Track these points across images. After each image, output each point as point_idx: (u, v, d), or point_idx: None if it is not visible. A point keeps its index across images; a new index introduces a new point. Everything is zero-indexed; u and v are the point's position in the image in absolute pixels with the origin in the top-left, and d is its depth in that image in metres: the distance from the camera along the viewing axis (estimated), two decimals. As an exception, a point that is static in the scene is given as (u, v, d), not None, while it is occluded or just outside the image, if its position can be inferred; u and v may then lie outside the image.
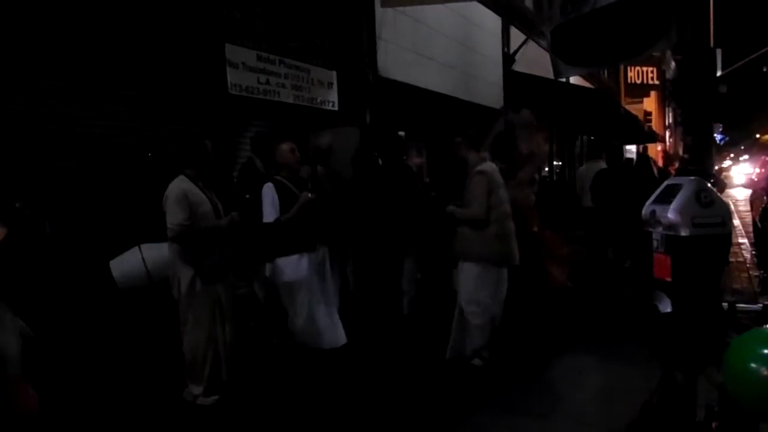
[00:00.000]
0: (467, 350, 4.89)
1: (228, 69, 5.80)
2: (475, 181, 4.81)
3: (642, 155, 13.15)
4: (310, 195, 4.78)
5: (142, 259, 4.36)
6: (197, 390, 4.21)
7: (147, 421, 4.01)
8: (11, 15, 4.21)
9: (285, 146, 4.88)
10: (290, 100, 6.60)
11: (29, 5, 4.32)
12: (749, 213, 14.01)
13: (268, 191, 4.72)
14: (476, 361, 4.90)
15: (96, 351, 4.39)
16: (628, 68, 24.01)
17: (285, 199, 4.72)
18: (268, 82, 6.28)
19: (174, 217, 4.04)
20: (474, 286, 4.81)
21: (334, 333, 4.87)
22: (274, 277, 4.83)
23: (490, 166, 4.89)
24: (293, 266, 4.74)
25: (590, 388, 4.50)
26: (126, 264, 4.39)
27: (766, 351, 2.53)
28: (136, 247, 4.45)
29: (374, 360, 5.09)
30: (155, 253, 4.41)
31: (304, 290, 4.76)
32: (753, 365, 2.50)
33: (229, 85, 5.80)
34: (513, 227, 4.90)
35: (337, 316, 4.95)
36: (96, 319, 4.46)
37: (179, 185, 4.14)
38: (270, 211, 4.69)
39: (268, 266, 4.92)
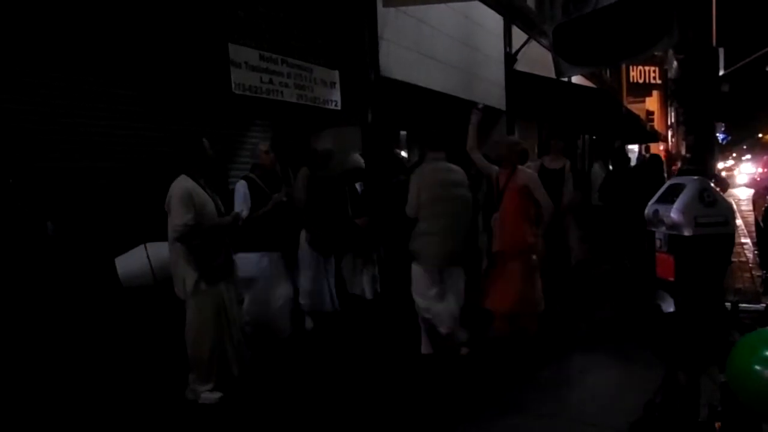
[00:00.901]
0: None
1: (231, 68, 5.80)
2: (410, 181, 5.08)
3: (654, 156, 13.16)
4: (283, 198, 5.10)
5: (148, 257, 4.36)
6: (203, 388, 4.22)
7: (148, 420, 4.02)
8: (14, 14, 4.22)
9: (261, 147, 5.27)
10: (293, 100, 6.60)
11: (32, 5, 4.32)
12: (752, 213, 14.00)
13: (241, 188, 5.03)
14: (463, 350, 4.97)
15: (98, 349, 4.40)
16: (630, 68, 24.01)
17: (256, 196, 5.02)
18: (271, 82, 6.29)
19: (179, 217, 4.03)
20: (417, 283, 4.99)
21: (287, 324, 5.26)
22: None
23: (425, 167, 5.07)
24: (254, 263, 5.01)
25: (592, 387, 4.50)
26: (131, 262, 4.41)
27: None
28: (142, 246, 4.46)
29: (377, 358, 5.09)
30: (160, 252, 4.43)
31: (261, 286, 5.08)
32: (758, 366, 2.50)
33: (232, 84, 5.80)
34: (450, 226, 4.91)
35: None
36: (98, 318, 4.47)
37: (183, 185, 4.14)
38: (240, 207, 4.91)
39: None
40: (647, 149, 23.07)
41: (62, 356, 4.17)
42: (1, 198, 4.04)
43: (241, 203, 4.93)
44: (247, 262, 4.94)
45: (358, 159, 6.44)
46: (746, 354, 2.59)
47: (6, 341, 3.87)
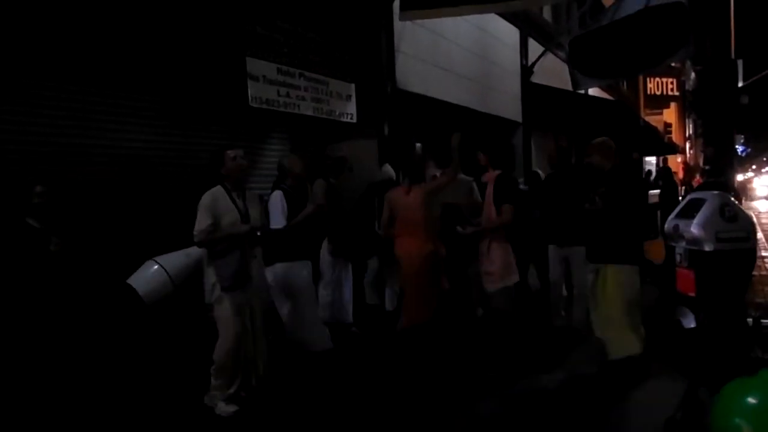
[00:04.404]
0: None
1: (249, 82, 5.86)
2: None
3: (664, 167, 13.20)
4: (315, 207, 5.03)
5: (165, 270, 4.43)
6: (220, 398, 4.25)
7: (160, 427, 4.04)
8: (35, 26, 4.32)
9: (293, 158, 5.21)
10: (310, 113, 6.65)
11: (56, 19, 4.41)
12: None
13: (278, 199, 4.94)
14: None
15: (110, 356, 4.43)
16: (648, 79, 23.91)
17: (292, 207, 4.95)
18: (288, 95, 6.34)
19: (198, 224, 4.18)
20: None
21: (323, 337, 5.15)
22: (275, 281, 5.00)
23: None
24: (295, 272, 4.94)
25: (613, 402, 4.43)
26: (149, 280, 4.46)
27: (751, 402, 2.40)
28: (150, 261, 4.51)
29: (393, 368, 5.07)
30: (172, 262, 4.55)
31: (303, 296, 4.98)
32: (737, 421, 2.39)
33: (249, 97, 5.87)
34: None
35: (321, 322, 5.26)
36: (109, 324, 4.51)
37: (209, 194, 4.27)
38: (279, 219, 4.87)
39: (268, 270, 5.03)
40: (665, 161, 22.89)
41: (72, 366, 4.21)
42: (10, 214, 4.12)
43: (280, 215, 4.87)
44: (288, 272, 4.94)
45: (388, 170, 6.48)
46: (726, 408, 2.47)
47: (16, 351, 3.92)
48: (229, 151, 4.35)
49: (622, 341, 4.56)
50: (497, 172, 5.36)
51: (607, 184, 4.76)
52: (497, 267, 5.23)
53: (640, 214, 4.40)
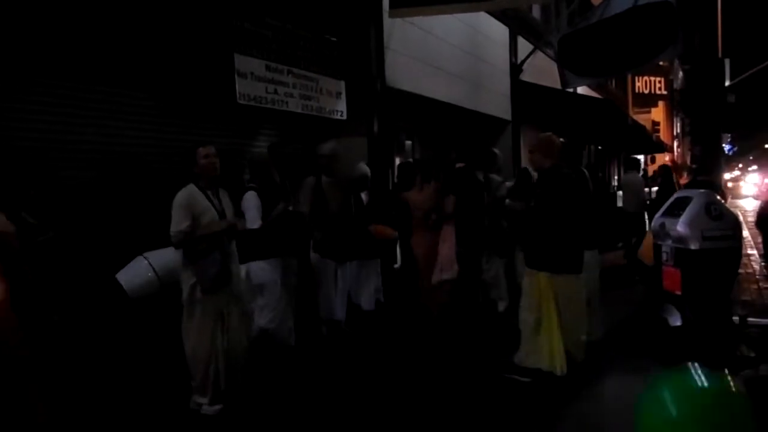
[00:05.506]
0: None
1: (237, 79, 5.82)
2: None
3: (663, 166, 13.32)
4: (289, 207, 5.10)
5: (152, 267, 4.39)
6: (201, 399, 4.20)
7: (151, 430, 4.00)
8: (29, 24, 4.27)
9: (260, 156, 5.31)
10: (298, 110, 6.62)
11: (45, 16, 4.37)
12: (759, 224, 13.88)
13: (253, 198, 4.95)
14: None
15: (100, 356, 4.39)
16: (636, 78, 24.01)
17: (265, 205, 5.00)
18: (276, 92, 6.30)
19: (176, 224, 4.08)
20: None
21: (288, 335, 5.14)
22: (248, 279, 4.98)
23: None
24: (269, 270, 4.96)
25: (599, 400, 4.46)
26: (135, 275, 4.43)
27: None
28: (140, 257, 4.48)
29: (382, 366, 5.08)
30: (161, 259, 4.51)
31: (277, 292, 4.99)
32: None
33: (237, 94, 5.83)
34: None
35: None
36: (101, 324, 4.46)
37: (184, 193, 4.16)
38: (255, 217, 4.89)
39: (242, 268, 5.00)
40: (653, 160, 23.05)
41: (63, 362, 4.16)
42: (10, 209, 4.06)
43: (255, 214, 4.89)
44: (261, 270, 4.96)
45: (364, 168, 6.46)
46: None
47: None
48: (200, 149, 4.23)
49: (534, 353, 4.54)
50: (460, 165, 5.74)
51: (542, 184, 4.45)
52: (441, 258, 5.91)
53: (577, 219, 4.24)
